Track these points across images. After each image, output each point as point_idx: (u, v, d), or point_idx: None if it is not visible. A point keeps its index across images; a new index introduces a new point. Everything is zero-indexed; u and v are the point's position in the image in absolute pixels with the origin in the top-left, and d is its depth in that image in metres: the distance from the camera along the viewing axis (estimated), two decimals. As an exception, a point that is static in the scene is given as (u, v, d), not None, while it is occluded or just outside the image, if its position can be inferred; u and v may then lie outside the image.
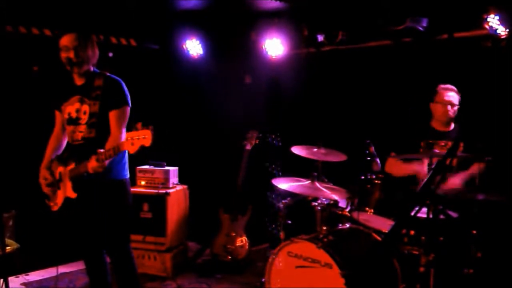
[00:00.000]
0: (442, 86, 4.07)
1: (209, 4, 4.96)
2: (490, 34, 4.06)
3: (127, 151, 3.42)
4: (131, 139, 2.97)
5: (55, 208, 3.44)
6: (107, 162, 3.13)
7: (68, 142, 3.53)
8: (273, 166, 5.54)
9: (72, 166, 3.36)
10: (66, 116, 3.44)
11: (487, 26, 4.02)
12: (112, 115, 3.33)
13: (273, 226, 5.14)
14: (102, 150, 3.12)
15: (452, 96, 4.02)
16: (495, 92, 4.18)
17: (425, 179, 2.49)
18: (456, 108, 4.03)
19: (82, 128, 3.35)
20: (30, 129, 4.69)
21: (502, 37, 4.04)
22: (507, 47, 4.05)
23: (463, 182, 3.86)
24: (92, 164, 3.14)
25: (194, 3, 4.92)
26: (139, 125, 2.98)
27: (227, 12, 5.19)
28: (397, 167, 4.09)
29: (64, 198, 3.40)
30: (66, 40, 3.32)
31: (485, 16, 4.01)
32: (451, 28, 4.37)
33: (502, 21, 3.99)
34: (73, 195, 3.34)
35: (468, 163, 3.96)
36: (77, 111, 3.39)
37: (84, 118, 3.36)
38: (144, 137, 2.95)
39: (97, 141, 3.27)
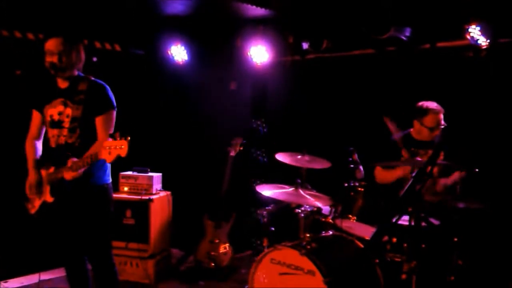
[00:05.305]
0: (432, 108, 3.93)
1: (194, 10, 4.96)
2: (472, 45, 4.12)
3: None
4: (108, 148, 2.94)
5: (33, 211, 3.39)
6: (81, 170, 3.13)
7: (49, 146, 3.47)
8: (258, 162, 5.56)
9: (51, 170, 3.32)
10: (48, 118, 3.39)
11: (468, 37, 4.09)
12: (99, 120, 3.30)
13: (257, 233, 5.12)
14: (76, 159, 3.13)
15: (442, 118, 3.94)
16: (476, 101, 4.25)
17: (406, 187, 2.51)
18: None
19: (65, 132, 3.31)
20: (7, 133, 4.60)
21: (483, 47, 4.11)
22: (488, 57, 4.12)
23: (449, 185, 3.86)
24: (67, 173, 3.16)
25: (179, 9, 4.92)
26: (117, 134, 2.95)
27: (213, 18, 5.19)
28: (387, 173, 4.11)
29: (42, 202, 3.35)
30: (51, 45, 3.28)
31: (467, 27, 4.08)
32: (434, 38, 4.44)
33: (483, 32, 4.06)
34: (50, 199, 3.30)
35: (449, 171, 3.99)
36: (60, 114, 3.34)
37: (67, 121, 3.32)
38: (121, 147, 2.91)
39: (79, 146, 3.24)
